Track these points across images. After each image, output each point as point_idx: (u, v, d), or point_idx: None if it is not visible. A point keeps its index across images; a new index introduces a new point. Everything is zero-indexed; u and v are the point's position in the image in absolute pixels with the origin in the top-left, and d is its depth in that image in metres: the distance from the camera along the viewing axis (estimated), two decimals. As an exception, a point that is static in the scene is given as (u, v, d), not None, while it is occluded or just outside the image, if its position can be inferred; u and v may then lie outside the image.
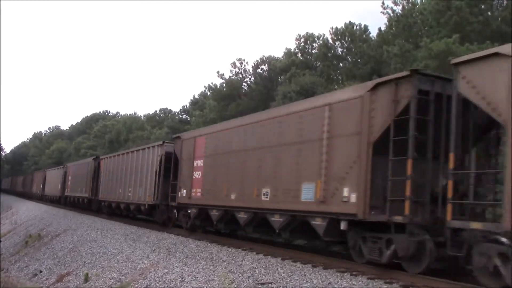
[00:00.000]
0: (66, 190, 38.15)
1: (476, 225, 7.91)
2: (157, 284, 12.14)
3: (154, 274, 12.96)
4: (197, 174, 16.48)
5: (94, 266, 16.44)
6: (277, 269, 10.72)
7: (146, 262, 14.46)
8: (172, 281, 11.89)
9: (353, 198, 9.66)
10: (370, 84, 10.06)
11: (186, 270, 12.35)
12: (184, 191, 17.23)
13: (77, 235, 23.05)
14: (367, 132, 9.56)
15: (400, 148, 9.01)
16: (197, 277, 11.54)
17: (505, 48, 7.65)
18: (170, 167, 19.07)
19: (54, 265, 19.50)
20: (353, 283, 8.94)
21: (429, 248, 8.74)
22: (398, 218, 8.91)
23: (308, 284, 9.35)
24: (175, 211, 18.83)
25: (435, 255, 8.74)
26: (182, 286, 11.42)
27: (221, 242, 14.85)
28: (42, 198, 49.24)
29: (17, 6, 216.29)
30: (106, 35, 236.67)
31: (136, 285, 12.75)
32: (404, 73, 9.33)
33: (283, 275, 10.20)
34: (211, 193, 15.42)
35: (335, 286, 8.96)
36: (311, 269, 10.32)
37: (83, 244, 20.54)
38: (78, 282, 15.72)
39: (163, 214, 20.01)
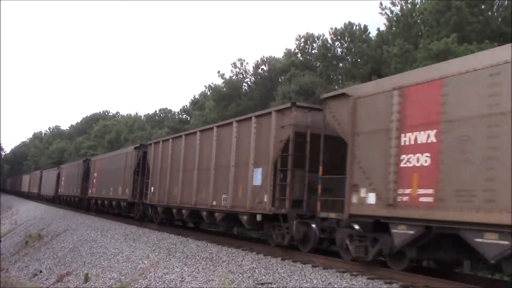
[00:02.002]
0: (90, 191, 31.79)
1: None
2: (157, 284, 12.14)
3: (154, 274, 12.96)
4: (417, 159, 8.43)
5: (94, 266, 16.44)
6: (277, 269, 10.71)
7: (146, 262, 14.46)
8: (172, 281, 11.89)
9: None
10: None
11: (186, 270, 12.35)
12: (371, 192, 9.38)
13: (77, 235, 23.06)
14: None
15: None
16: (197, 277, 11.54)
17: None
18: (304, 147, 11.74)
19: (54, 265, 19.50)
20: (353, 283, 8.93)
21: None
22: None
23: (308, 284, 9.35)
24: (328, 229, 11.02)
25: None
26: (182, 286, 11.42)
27: (221, 242, 14.84)
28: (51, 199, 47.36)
29: (17, 6, 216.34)
30: (107, 35, 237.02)
31: (136, 285, 12.75)
32: None
33: (283, 275, 10.19)
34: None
35: (335, 286, 8.95)
36: (311, 269, 10.31)
37: (83, 244, 20.54)
38: (78, 282, 15.72)
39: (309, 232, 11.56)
